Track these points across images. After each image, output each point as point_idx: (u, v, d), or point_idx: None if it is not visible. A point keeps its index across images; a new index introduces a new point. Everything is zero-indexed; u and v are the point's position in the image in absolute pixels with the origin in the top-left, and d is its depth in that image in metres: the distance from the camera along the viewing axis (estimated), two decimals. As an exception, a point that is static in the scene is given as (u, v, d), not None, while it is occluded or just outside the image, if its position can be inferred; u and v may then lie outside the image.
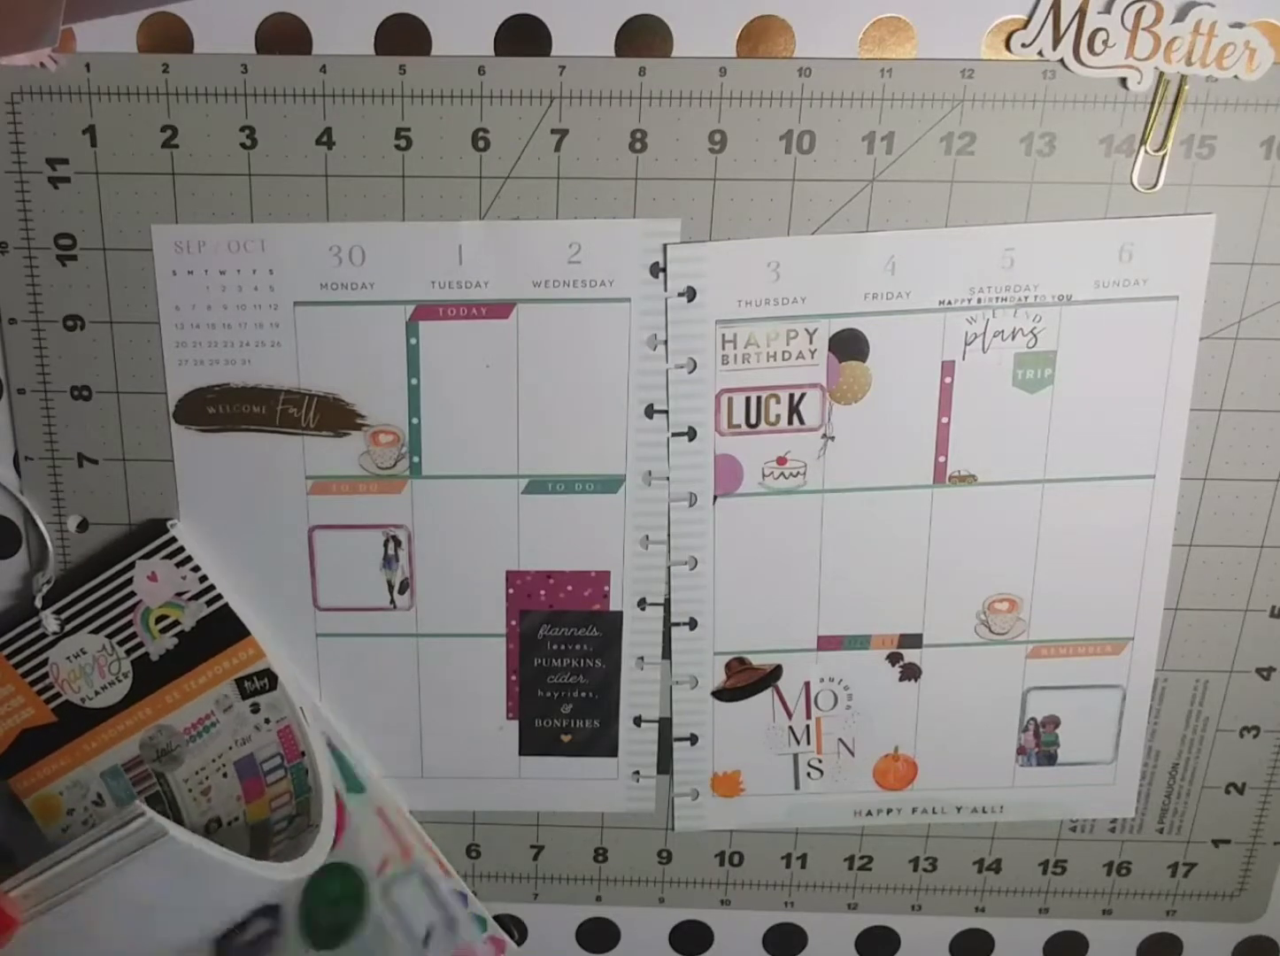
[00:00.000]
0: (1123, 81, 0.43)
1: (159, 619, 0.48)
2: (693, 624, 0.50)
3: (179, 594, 0.48)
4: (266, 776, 0.49)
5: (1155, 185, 0.44)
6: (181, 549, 0.47)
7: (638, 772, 0.52)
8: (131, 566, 0.47)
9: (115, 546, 0.48)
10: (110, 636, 0.48)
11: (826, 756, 0.51)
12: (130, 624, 0.48)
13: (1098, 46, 0.42)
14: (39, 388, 0.47)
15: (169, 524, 0.48)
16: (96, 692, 0.49)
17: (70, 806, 0.50)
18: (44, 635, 0.48)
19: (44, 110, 0.44)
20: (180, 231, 0.45)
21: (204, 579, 0.47)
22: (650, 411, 0.47)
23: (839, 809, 0.52)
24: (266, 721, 0.49)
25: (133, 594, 0.48)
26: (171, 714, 0.49)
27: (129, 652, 0.48)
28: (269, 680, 0.48)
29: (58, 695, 0.49)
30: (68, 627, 0.48)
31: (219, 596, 0.48)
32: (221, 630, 0.48)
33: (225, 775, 0.49)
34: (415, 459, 0.48)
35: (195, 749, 0.49)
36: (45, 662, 0.48)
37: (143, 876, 0.39)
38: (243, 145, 0.44)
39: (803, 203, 0.44)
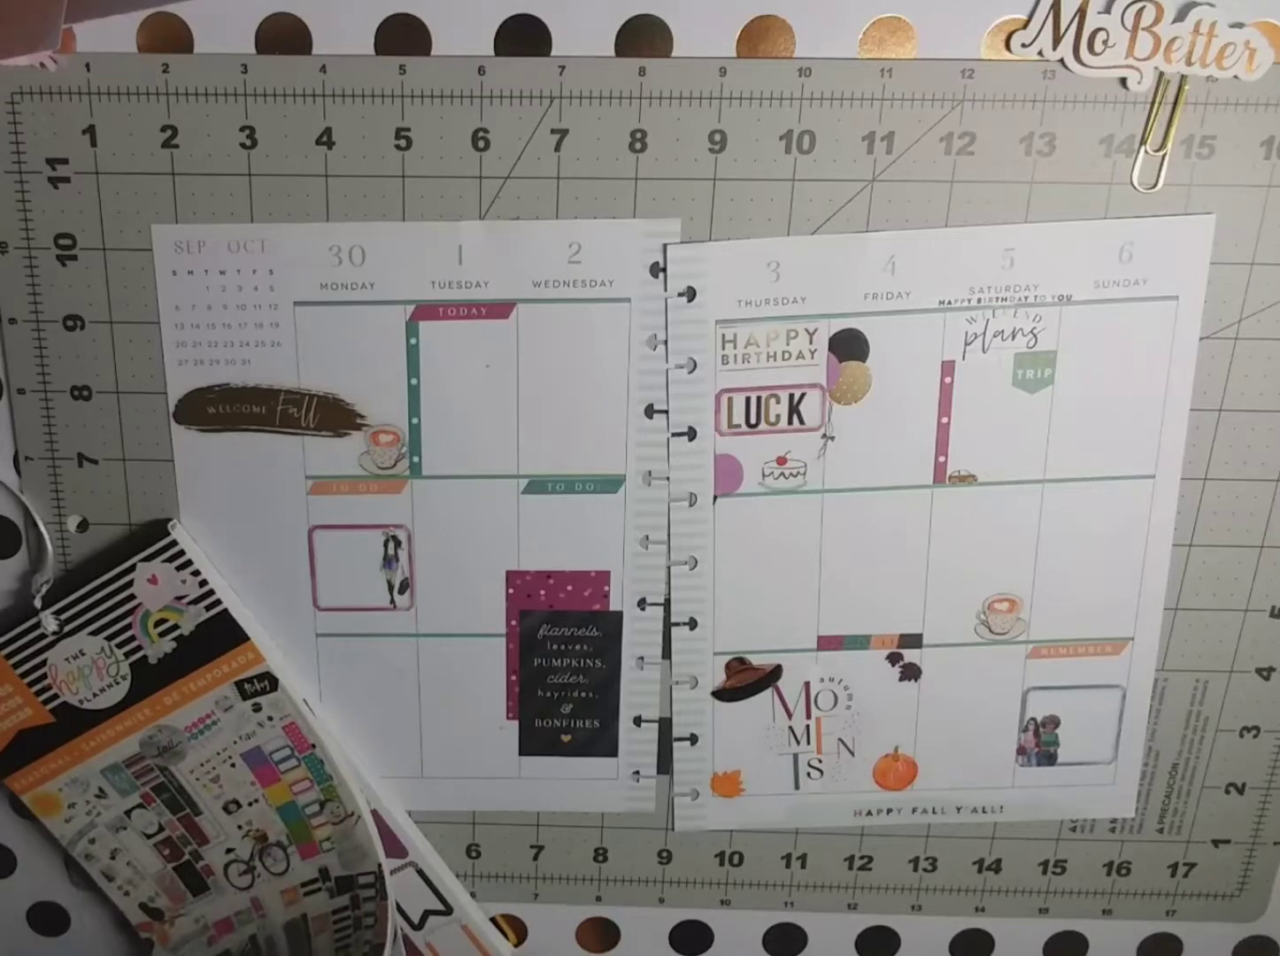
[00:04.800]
0: (1123, 81, 0.43)
1: (158, 623, 0.48)
2: (693, 624, 0.50)
3: (179, 598, 0.47)
4: (279, 765, 0.49)
5: (1155, 185, 0.44)
6: (182, 552, 0.47)
7: (638, 772, 0.52)
8: (132, 568, 0.47)
9: (115, 547, 0.48)
10: (109, 638, 0.48)
11: (826, 756, 0.51)
12: (129, 627, 0.48)
13: (1098, 46, 0.42)
14: (39, 388, 0.47)
15: (170, 525, 0.48)
16: (95, 694, 0.48)
17: (71, 801, 0.50)
18: (43, 635, 0.48)
19: (44, 110, 0.44)
20: (180, 231, 0.45)
21: (204, 583, 0.47)
22: (650, 411, 0.47)
23: (839, 809, 0.52)
24: (270, 718, 0.49)
25: (133, 597, 0.47)
26: (171, 714, 0.49)
27: (128, 655, 0.48)
28: (269, 682, 0.48)
29: (56, 696, 0.49)
30: (67, 628, 0.48)
31: (218, 601, 0.47)
32: (221, 635, 0.48)
33: (234, 765, 0.49)
34: (415, 459, 0.48)
35: (198, 745, 0.49)
36: (44, 663, 0.48)
37: None
38: (243, 145, 0.44)
39: (803, 203, 0.44)
